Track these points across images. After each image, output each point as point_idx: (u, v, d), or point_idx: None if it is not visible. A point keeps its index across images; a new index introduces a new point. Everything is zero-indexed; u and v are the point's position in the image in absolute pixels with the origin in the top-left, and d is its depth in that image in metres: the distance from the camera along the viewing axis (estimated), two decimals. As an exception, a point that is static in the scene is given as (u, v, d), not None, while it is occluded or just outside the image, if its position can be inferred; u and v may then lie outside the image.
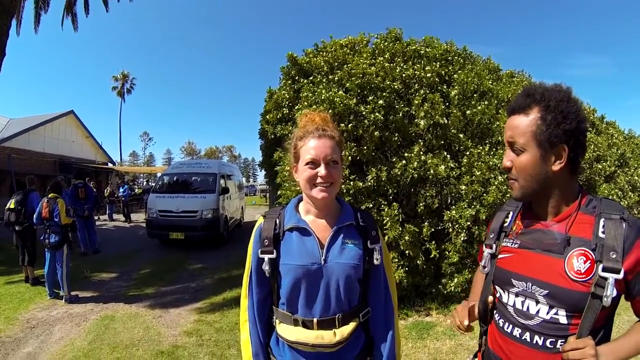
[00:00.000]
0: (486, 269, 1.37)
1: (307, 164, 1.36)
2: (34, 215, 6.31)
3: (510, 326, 1.24)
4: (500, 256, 1.32)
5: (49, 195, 6.27)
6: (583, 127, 1.17)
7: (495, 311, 1.35)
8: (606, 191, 6.63)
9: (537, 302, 1.17)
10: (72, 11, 13.53)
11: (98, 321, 5.19)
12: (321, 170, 1.35)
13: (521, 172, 1.19)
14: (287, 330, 1.39)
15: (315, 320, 1.36)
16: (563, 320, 1.12)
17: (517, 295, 1.23)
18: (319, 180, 1.35)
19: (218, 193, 10.79)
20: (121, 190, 17.49)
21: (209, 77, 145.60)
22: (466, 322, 1.35)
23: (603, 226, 1.11)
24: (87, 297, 6.33)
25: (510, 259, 1.27)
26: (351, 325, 1.39)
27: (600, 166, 6.93)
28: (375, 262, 1.43)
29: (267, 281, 1.45)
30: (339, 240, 1.40)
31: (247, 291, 1.49)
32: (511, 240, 1.30)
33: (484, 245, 1.41)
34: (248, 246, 1.49)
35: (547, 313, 1.15)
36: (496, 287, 1.33)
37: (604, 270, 1.05)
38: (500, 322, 1.29)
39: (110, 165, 28.14)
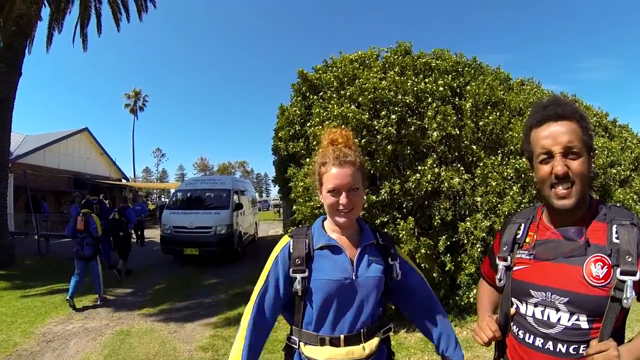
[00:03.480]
0: (502, 281, 1.38)
1: (329, 191, 1.42)
2: (67, 229, 7.01)
3: (532, 337, 1.25)
4: (515, 268, 1.33)
5: (83, 211, 6.95)
6: None
7: (512, 323, 1.35)
8: (621, 196, 6.50)
9: (558, 310, 1.19)
10: (83, 31, 13.87)
11: (114, 336, 5.23)
12: (342, 199, 1.40)
13: (580, 177, 1.19)
14: (314, 351, 1.41)
15: (342, 337, 1.39)
16: (584, 325, 1.15)
17: (535, 305, 1.25)
18: (340, 207, 1.41)
19: (232, 209, 10.85)
20: (138, 208, 15.00)
21: (220, 92, 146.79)
22: (499, 334, 1.35)
23: (616, 232, 1.16)
24: (103, 311, 6.39)
25: (527, 270, 1.29)
26: (376, 339, 1.44)
27: (614, 171, 6.82)
28: (395, 277, 1.52)
29: (278, 301, 1.47)
30: (365, 257, 1.47)
31: (254, 303, 1.46)
32: (526, 252, 1.31)
33: (497, 258, 1.42)
34: (267, 265, 1.50)
35: (569, 320, 1.17)
36: (512, 299, 1.34)
37: (622, 273, 1.09)
38: (520, 333, 1.30)
39: (124, 181, 28.47)
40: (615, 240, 1.15)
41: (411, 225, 4.47)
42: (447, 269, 4.64)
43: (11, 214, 15.08)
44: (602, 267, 1.13)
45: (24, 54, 11.31)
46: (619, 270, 1.10)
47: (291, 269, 1.44)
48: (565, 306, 1.17)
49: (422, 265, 4.51)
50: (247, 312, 1.47)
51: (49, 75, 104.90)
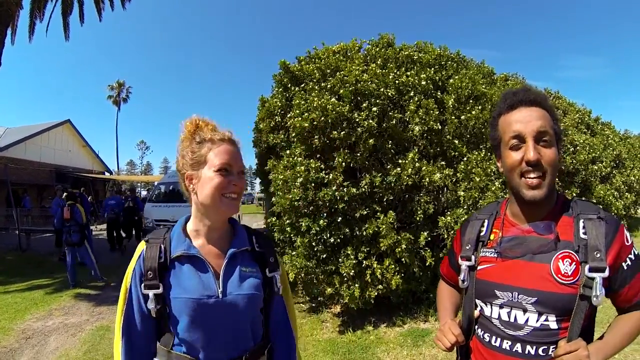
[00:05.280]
0: (465, 283, 1.29)
1: (219, 170, 1.17)
2: (55, 220, 7.83)
3: (499, 339, 1.19)
4: (479, 267, 1.26)
5: (68, 202, 7.50)
6: None
7: (477, 326, 1.29)
8: (602, 192, 6.64)
9: (525, 310, 1.13)
10: (65, 20, 13.58)
11: (93, 331, 5.18)
12: (236, 178, 1.20)
13: (551, 167, 1.12)
14: None
15: None
16: (553, 325, 1.10)
17: (501, 306, 1.19)
18: (231, 190, 1.19)
19: None
20: (112, 202, 11.56)
21: (204, 85, 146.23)
22: (462, 338, 1.25)
23: (583, 227, 1.11)
24: (83, 307, 6.31)
25: (492, 269, 1.22)
26: None
27: (596, 167, 6.95)
28: (276, 290, 1.30)
29: (152, 322, 1.22)
30: (235, 268, 1.22)
31: (121, 333, 1.21)
32: (491, 250, 1.24)
33: (459, 258, 1.33)
34: (125, 280, 1.23)
35: (537, 321, 1.12)
36: (476, 300, 1.27)
37: (590, 270, 1.04)
38: (486, 336, 1.24)
39: (107, 174, 28.08)
40: (582, 236, 1.09)
41: (391, 219, 4.47)
42: (427, 263, 4.65)
43: (-9, 208, 14.81)
44: (571, 264, 1.08)
45: (4, 44, 11.04)
46: (587, 266, 1.05)
47: (143, 284, 1.17)
48: (533, 306, 1.12)
49: (403, 260, 4.52)
50: (117, 348, 1.22)
51: (31, 67, 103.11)
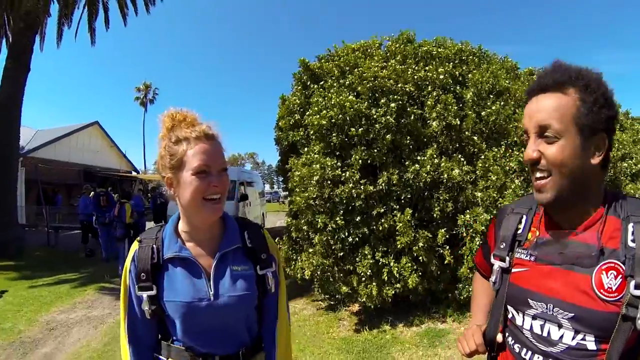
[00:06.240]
0: (496, 285, 1.15)
1: (197, 173, 1.12)
2: (108, 214, 8.74)
3: (529, 352, 1.04)
4: (513, 270, 1.10)
5: (121, 200, 8.66)
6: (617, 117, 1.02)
7: (507, 334, 1.14)
8: (632, 191, 6.37)
9: (560, 326, 0.97)
10: (91, 26, 13.98)
11: (114, 324, 5.28)
12: (216, 178, 1.14)
13: (556, 165, 0.95)
14: None
15: (217, 358, 1.20)
16: (591, 346, 0.93)
17: (534, 317, 1.03)
18: (211, 191, 1.13)
19: (237, 200, 10.96)
20: (132, 202, 9.96)
21: (231, 84, 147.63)
22: (484, 349, 1.16)
23: (632, 233, 0.91)
24: (106, 301, 6.47)
25: (526, 274, 1.06)
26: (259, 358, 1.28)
27: (625, 164, 6.66)
28: (268, 288, 1.25)
29: (152, 321, 1.23)
30: (227, 269, 1.20)
31: (127, 336, 1.24)
32: (526, 252, 1.08)
33: (492, 256, 1.17)
34: (124, 278, 1.24)
35: (573, 339, 0.95)
36: (508, 306, 1.12)
37: (636, 287, 0.86)
38: (516, 347, 1.09)
39: (134, 173, 28.70)
40: (630, 244, 0.90)
41: (408, 217, 4.40)
42: (446, 262, 4.56)
43: (22, 207, 15.34)
44: (616, 277, 0.89)
45: (32, 50, 11.42)
46: (633, 282, 0.86)
47: (136, 286, 1.18)
48: (569, 322, 0.95)
49: (420, 258, 4.45)
50: (124, 347, 1.24)
51: (60, 71, 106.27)
